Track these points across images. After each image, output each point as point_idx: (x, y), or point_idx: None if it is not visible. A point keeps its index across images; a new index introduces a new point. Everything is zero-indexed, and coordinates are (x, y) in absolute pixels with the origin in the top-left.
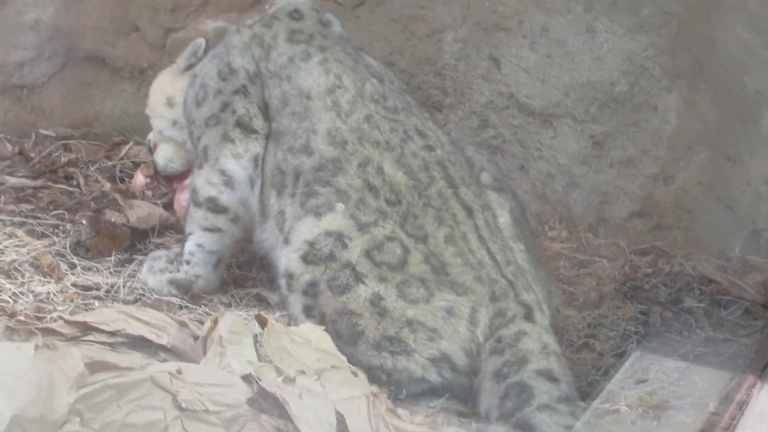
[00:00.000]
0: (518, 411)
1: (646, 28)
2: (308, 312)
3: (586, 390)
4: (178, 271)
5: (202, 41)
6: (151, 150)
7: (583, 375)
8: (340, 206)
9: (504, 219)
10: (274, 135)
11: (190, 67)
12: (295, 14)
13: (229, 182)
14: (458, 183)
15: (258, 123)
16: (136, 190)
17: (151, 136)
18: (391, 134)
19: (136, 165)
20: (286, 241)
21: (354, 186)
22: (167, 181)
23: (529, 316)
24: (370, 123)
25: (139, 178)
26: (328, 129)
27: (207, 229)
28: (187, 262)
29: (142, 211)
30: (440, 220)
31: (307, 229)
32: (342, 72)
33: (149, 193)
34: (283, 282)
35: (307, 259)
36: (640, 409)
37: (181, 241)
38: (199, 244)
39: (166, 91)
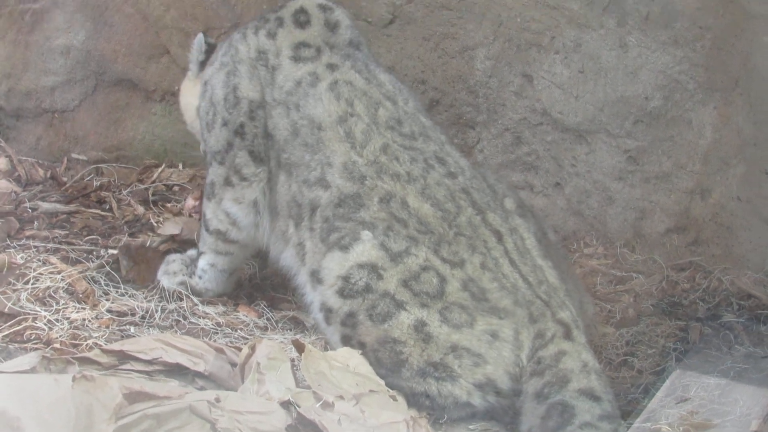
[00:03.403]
0: (560, 430)
1: (680, 42)
2: (347, 341)
3: (626, 408)
4: (191, 277)
5: (199, 36)
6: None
7: (623, 393)
8: (366, 234)
9: (530, 241)
10: (285, 166)
11: (202, 65)
12: (301, 16)
13: (234, 223)
14: (485, 209)
15: (249, 170)
16: (185, 213)
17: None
18: (412, 165)
19: (169, 188)
20: (318, 281)
21: (380, 218)
22: None
23: (567, 335)
24: (387, 154)
25: (189, 201)
26: (343, 162)
27: (219, 253)
28: (200, 277)
29: (173, 224)
30: (473, 248)
31: (336, 265)
32: (353, 96)
33: (195, 216)
34: (320, 316)
35: (344, 293)
36: (681, 429)
37: (196, 247)
38: (211, 264)
39: (191, 101)
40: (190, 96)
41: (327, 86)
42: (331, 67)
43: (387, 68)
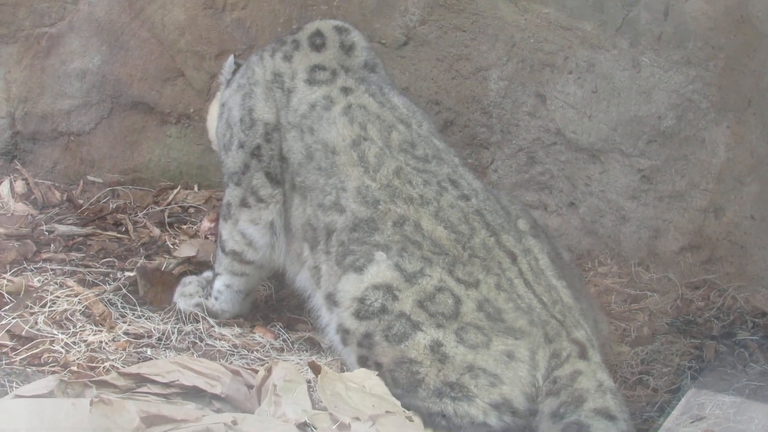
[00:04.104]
0: None
1: (693, 61)
2: (363, 362)
3: (642, 427)
4: (207, 299)
5: (230, 57)
6: None
7: (639, 412)
8: (380, 255)
9: (544, 261)
10: (300, 189)
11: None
12: (317, 39)
13: (250, 244)
14: (498, 230)
15: (266, 192)
16: (201, 235)
17: None
18: (425, 188)
19: (184, 210)
20: (335, 303)
21: (394, 241)
22: None
23: (582, 354)
24: (400, 177)
25: (205, 223)
26: (357, 187)
27: (235, 274)
28: (216, 299)
29: (190, 246)
30: (488, 269)
31: (352, 287)
32: (367, 120)
33: (211, 238)
34: (337, 338)
35: (360, 315)
36: None
37: (212, 268)
38: (227, 285)
39: (216, 121)
40: (216, 116)
41: (341, 110)
42: (345, 90)
43: (401, 90)
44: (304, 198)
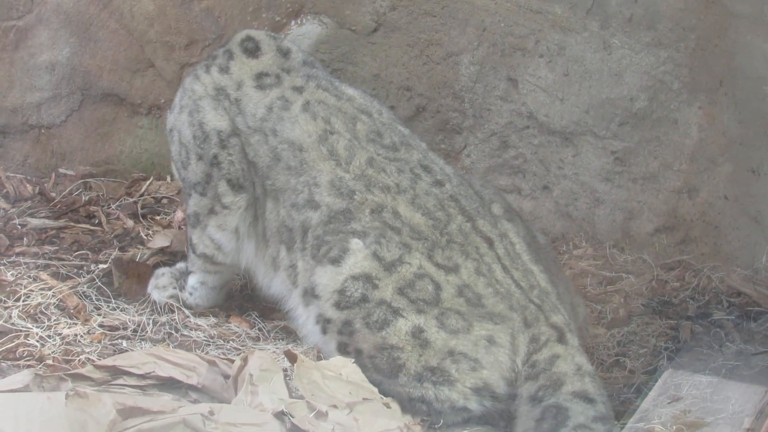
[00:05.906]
0: None
1: (664, 42)
2: (343, 349)
3: (619, 409)
4: (182, 291)
5: None
6: None
7: (616, 393)
8: (356, 242)
9: (520, 245)
10: (271, 192)
11: None
12: (249, 44)
13: (219, 248)
14: (474, 215)
15: (228, 199)
16: (174, 225)
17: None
18: (399, 176)
19: (157, 200)
20: (314, 296)
21: (372, 227)
22: None
23: (561, 338)
24: (374, 167)
25: (178, 213)
26: (330, 180)
27: (208, 272)
28: (191, 294)
29: (163, 236)
30: (466, 255)
31: (330, 279)
32: (329, 114)
33: (185, 228)
34: (317, 328)
35: (341, 305)
36: (674, 428)
37: (185, 259)
38: (202, 282)
39: None
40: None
41: (300, 107)
42: (298, 89)
43: (348, 82)
44: (277, 200)
